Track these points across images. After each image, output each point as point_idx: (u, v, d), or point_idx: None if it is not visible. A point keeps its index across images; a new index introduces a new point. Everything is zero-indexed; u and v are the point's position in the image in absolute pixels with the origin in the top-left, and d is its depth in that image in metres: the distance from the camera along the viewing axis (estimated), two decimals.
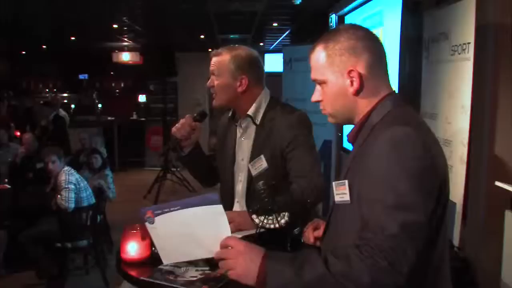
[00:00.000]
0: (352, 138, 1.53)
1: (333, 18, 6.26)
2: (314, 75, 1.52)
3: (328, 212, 1.58)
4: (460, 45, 3.06)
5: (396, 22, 4.04)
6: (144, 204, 7.47)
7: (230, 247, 1.38)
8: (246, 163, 2.27)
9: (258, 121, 2.27)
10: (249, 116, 2.27)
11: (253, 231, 1.86)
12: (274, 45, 13.04)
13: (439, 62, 3.37)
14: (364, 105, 1.48)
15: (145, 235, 1.62)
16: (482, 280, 2.97)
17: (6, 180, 5.60)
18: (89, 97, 12.48)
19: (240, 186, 2.32)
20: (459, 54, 3.07)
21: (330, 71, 1.47)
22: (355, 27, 1.51)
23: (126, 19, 8.29)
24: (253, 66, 2.27)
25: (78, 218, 4.65)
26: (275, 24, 9.25)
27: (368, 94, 1.47)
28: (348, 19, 5.88)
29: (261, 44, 13.04)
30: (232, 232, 1.90)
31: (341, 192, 1.46)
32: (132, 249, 1.60)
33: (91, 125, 10.53)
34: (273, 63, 12.98)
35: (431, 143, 1.36)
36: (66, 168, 4.70)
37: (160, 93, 10.72)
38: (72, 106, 12.06)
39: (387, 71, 1.53)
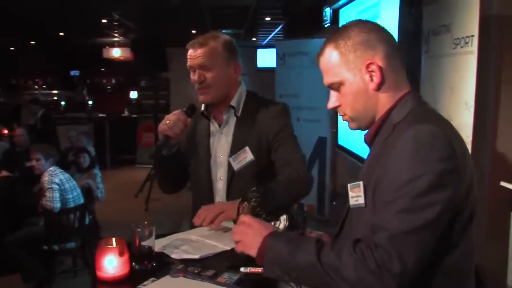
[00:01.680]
0: (371, 137, 1.40)
1: (328, 11, 6.10)
2: (328, 79, 1.40)
3: (342, 216, 1.46)
4: (463, 38, 2.90)
5: (393, 15, 3.88)
6: (135, 203, 7.32)
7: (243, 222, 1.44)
8: (226, 158, 2.11)
9: (239, 113, 2.13)
10: (231, 107, 2.12)
11: None
12: (267, 40, 12.86)
13: (440, 56, 3.21)
14: (385, 102, 1.36)
15: (123, 250, 1.44)
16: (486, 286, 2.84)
17: None
18: (79, 93, 12.26)
19: (220, 184, 2.14)
20: (462, 47, 2.91)
21: (345, 69, 1.36)
22: (362, 21, 1.40)
23: (116, 13, 8.08)
24: (237, 51, 2.13)
25: (65, 220, 4.46)
26: (268, 19, 9.07)
27: (389, 89, 1.36)
28: (343, 13, 5.71)
29: (254, 39, 12.85)
30: (222, 221, 1.85)
31: (355, 195, 1.34)
32: (110, 265, 1.42)
33: (82, 122, 10.33)
34: (266, 58, 12.83)
35: (458, 144, 1.24)
36: (52, 168, 4.50)
37: (151, 89, 10.53)
38: (63, 103, 11.85)
39: (403, 64, 1.40)
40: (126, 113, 12.13)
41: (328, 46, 1.39)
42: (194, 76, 2.06)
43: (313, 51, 6.12)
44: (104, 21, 9.02)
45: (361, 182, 1.33)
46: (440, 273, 1.25)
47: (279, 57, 6.62)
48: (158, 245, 1.73)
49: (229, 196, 2.11)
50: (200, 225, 1.88)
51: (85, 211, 4.63)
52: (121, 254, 1.42)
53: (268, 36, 12.13)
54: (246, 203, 1.60)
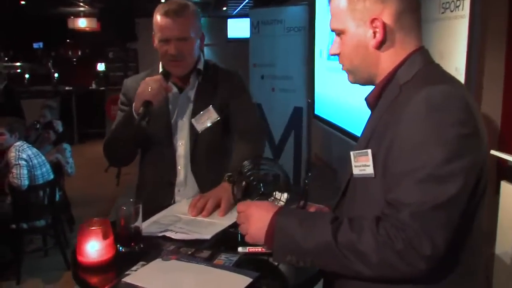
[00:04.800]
0: (373, 100, 1.27)
1: None
2: (333, 24, 1.29)
3: (343, 184, 1.31)
4: (452, 1, 2.77)
5: None
6: (106, 178, 7.10)
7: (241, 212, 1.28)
8: (188, 121, 2.02)
9: (200, 78, 2.07)
10: (198, 71, 2.04)
11: None
12: (238, 9, 12.55)
13: (427, 21, 3.07)
14: (388, 62, 1.23)
15: (108, 232, 1.27)
16: None
17: None
18: (44, 66, 11.76)
19: (182, 150, 2.04)
20: (452, 11, 2.78)
21: (350, 18, 1.23)
22: None
23: None
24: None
25: (34, 197, 4.26)
26: None
27: (393, 49, 1.22)
28: None
29: (224, 8, 12.51)
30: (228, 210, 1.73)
31: (362, 164, 1.20)
32: (92, 250, 1.25)
33: (48, 96, 9.91)
34: (237, 28, 12.56)
35: (474, 105, 1.12)
36: (18, 143, 4.24)
37: (119, 60, 10.17)
38: (27, 76, 11.36)
39: (419, 23, 1.27)
40: (93, 86, 11.72)
41: None
42: (166, 47, 1.91)
43: (288, 19, 5.97)
44: None
45: (369, 151, 1.19)
46: (459, 253, 1.14)
47: (253, 26, 6.42)
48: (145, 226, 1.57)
49: (194, 162, 2.02)
50: (195, 216, 1.73)
51: (55, 187, 4.45)
52: (105, 236, 1.25)
53: (238, 6, 11.82)
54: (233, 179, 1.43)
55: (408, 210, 1.04)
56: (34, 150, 4.34)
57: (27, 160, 4.19)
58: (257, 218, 1.22)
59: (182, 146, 2.03)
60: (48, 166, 4.44)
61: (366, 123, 1.31)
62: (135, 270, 1.24)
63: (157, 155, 2.06)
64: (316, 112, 5.77)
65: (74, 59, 13.86)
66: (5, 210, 4.19)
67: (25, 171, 4.12)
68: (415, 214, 1.03)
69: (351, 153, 1.24)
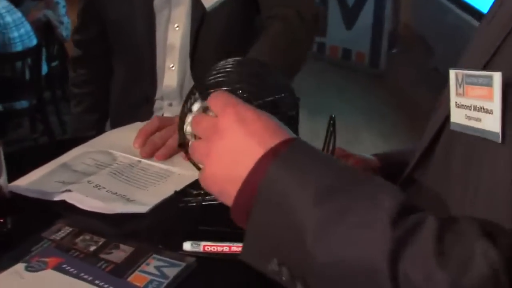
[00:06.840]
0: None
1: None
2: None
3: (426, 137, 0.81)
4: None
5: None
6: None
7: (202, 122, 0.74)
8: None
9: None
10: None
11: None
12: None
13: None
14: None
15: None
16: None
17: None
18: None
19: (177, 37, 1.60)
20: None
21: None
22: None
23: None
24: None
25: (9, 70, 4.04)
26: None
27: None
28: None
29: None
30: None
31: (474, 105, 0.65)
32: None
33: None
34: None
35: None
36: None
37: None
38: None
39: None
40: None
41: None
42: None
43: None
44: None
45: (497, 75, 0.61)
46: None
47: None
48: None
49: (196, 59, 1.59)
50: (148, 156, 1.20)
51: (40, 56, 4.13)
52: None
53: None
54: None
55: None
56: (5, 2, 3.98)
57: None
58: (230, 150, 0.68)
59: (177, 31, 1.61)
60: (28, 26, 4.11)
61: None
62: None
63: (130, 49, 1.65)
64: None
65: None
66: None
67: None
68: None
69: (452, 71, 0.68)
